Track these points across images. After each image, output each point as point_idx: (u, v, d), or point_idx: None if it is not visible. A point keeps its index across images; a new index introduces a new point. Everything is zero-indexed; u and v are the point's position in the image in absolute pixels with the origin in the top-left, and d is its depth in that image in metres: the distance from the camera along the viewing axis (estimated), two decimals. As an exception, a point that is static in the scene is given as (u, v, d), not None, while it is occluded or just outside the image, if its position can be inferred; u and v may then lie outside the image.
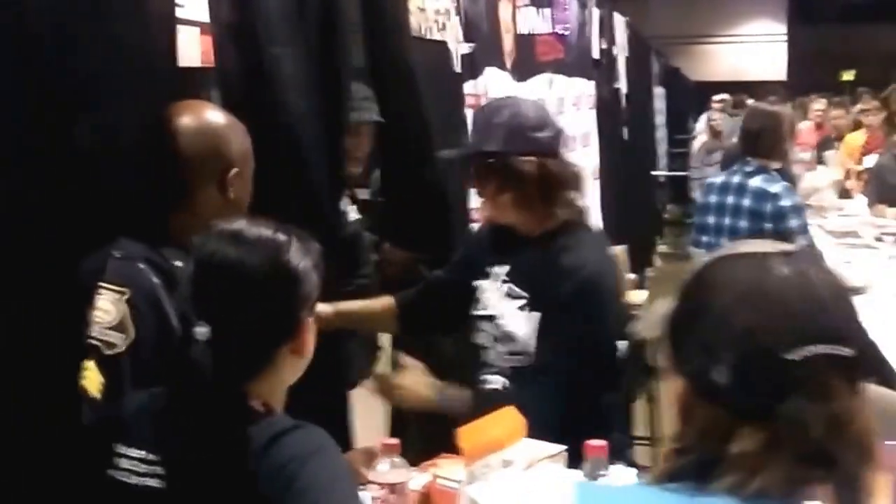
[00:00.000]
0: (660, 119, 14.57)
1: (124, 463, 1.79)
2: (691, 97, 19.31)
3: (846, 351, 1.24)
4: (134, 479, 1.78)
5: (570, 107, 6.81)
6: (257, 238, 1.83)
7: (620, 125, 9.17)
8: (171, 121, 2.23)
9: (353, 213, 3.58)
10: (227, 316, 1.78)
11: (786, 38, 23.84)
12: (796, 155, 6.12)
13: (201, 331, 1.75)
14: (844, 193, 8.76)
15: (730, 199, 5.16)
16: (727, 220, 5.16)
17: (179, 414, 1.81)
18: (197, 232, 2.21)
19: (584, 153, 7.30)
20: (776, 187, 4.98)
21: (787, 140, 5.14)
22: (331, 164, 2.98)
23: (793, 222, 4.91)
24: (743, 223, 5.09)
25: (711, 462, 1.24)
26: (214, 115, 2.31)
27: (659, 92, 14.49)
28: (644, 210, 11.39)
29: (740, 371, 1.25)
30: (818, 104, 11.45)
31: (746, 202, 5.07)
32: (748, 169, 5.15)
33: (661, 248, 12.72)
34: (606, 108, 8.16)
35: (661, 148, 14.84)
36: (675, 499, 1.23)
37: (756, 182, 5.05)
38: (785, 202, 4.94)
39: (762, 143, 5.13)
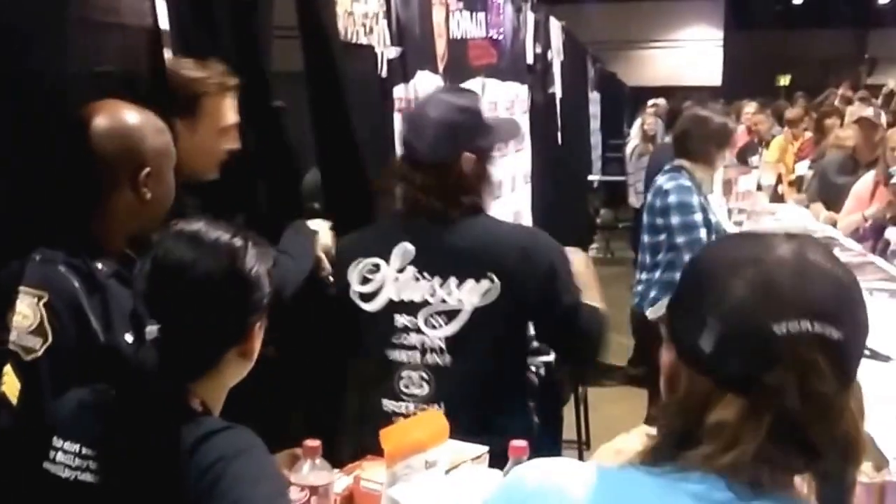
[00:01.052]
0: (594, 124, 14.67)
1: (60, 456, 1.80)
2: (627, 102, 19.48)
3: (834, 333, 1.22)
4: (67, 473, 1.79)
5: (503, 111, 6.82)
6: (215, 241, 1.86)
7: (554, 130, 9.19)
8: (85, 121, 2.18)
9: None
10: (179, 316, 1.80)
11: (722, 43, 24.08)
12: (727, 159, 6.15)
13: (150, 329, 1.77)
14: (777, 198, 8.85)
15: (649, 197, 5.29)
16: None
17: (118, 410, 1.82)
18: (114, 234, 2.22)
19: (516, 157, 7.32)
20: (670, 184, 5.07)
21: (712, 144, 5.18)
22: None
23: (674, 219, 5.00)
24: (646, 218, 5.27)
25: (690, 434, 1.25)
26: (127, 114, 2.23)
27: (594, 97, 14.58)
28: (578, 215, 11.43)
29: (726, 339, 1.24)
30: (749, 107, 11.57)
31: (649, 197, 5.22)
32: (666, 168, 5.26)
33: (593, 252, 12.78)
34: (540, 113, 8.18)
35: (595, 152, 14.95)
36: (659, 482, 1.24)
37: (661, 179, 5.17)
38: (671, 199, 5.02)
39: (686, 145, 5.21)
